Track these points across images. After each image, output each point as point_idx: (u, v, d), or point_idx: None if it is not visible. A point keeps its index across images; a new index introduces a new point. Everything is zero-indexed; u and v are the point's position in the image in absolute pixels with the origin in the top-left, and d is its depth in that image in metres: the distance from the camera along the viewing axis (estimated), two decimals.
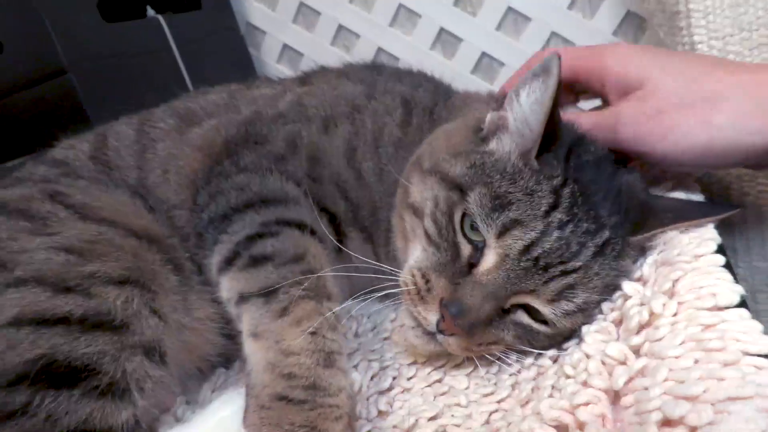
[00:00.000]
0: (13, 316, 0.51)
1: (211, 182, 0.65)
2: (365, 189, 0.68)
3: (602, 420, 0.41)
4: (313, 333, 0.51)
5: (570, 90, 0.69)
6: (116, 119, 0.84)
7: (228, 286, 0.58)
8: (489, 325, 0.53)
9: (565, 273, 0.51)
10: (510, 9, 1.30)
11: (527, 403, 0.48)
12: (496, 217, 0.52)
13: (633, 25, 1.22)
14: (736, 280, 0.45)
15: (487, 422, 0.49)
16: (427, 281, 0.55)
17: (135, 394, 0.52)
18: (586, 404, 0.42)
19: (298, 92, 0.75)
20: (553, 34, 1.29)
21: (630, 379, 0.42)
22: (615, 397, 0.43)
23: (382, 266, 0.59)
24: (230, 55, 1.45)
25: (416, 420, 0.51)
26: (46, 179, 0.66)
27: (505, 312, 0.54)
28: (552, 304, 0.52)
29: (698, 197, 0.59)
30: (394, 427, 0.52)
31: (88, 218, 0.60)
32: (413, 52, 1.42)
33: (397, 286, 0.57)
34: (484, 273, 0.52)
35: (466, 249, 0.54)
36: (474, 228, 0.53)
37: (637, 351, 0.44)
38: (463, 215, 0.54)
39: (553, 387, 0.48)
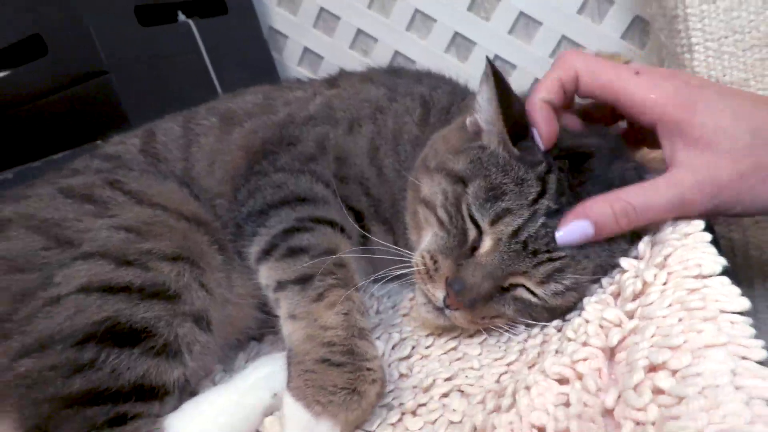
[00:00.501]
0: (82, 284, 0.58)
1: (251, 179, 0.72)
2: (386, 185, 0.74)
3: (599, 373, 0.47)
4: (345, 314, 0.58)
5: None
6: (151, 116, 0.91)
7: (266, 275, 0.64)
8: (489, 301, 0.59)
9: (551, 259, 0.57)
10: (522, 14, 1.35)
11: (534, 365, 0.53)
12: (489, 207, 0.58)
13: (639, 29, 1.26)
14: (721, 253, 0.51)
15: (497, 381, 0.55)
16: (435, 262, 0.61)
17: (185, 355, 0.59)
18: (585, 359, 0.47)
19: (326, 95, 0.81)
20: (563, 38, 1.33)
21: (623, 338, 0.47)
22: (611, 354, 0.48)
23: (401, 250, 0.66)
24: (254, 57, 1.52)
25: (433, 380, 0.57)
26: (102, 170, 0.73)
27: (505, 290, 0.60)
28: (542, 286, 0.58)
29: None
30: (414, 387, 0.58)
31: (143, 203, 0.66)
32: (429, 55, 1.47)
33: (411, 267, 0.64)
34: (483, 255, 0.58)
35: (472, 234, 0.60)
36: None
37: (630, 315, 0.49)
38: (469, 204, 0.60)
39: (556, 351, 0.53)
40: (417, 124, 0.76)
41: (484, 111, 0.62)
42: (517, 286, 0.59)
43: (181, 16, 1.29)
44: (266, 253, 0.65)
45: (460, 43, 1.45)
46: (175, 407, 0.57)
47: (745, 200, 0.53)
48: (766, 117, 0.52)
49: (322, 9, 1.54)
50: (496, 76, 0.58)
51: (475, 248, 0.59)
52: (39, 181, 0.73)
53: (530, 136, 0.60)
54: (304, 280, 0.60)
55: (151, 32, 1.19)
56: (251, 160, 0.74)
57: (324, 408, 0.52)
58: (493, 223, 0.57)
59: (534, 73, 1.40)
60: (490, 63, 0.58)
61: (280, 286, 0.62)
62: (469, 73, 1.42)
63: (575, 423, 0.40)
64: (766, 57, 0.73)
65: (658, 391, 0.39)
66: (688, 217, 0.54)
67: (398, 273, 0.65)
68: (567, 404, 0.44)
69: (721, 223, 0.85)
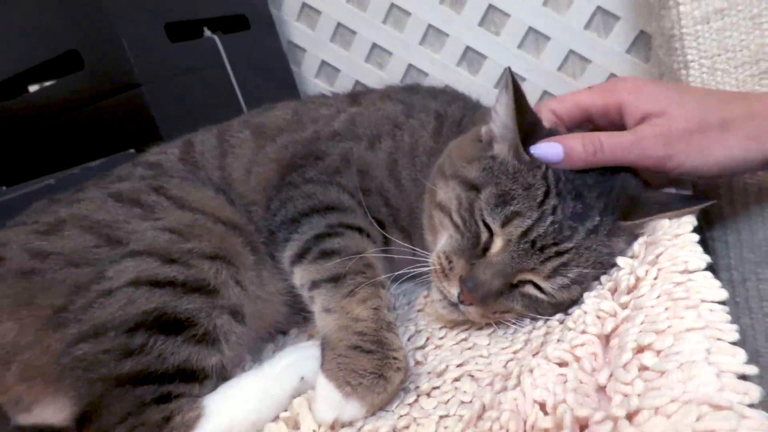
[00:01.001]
0: (132, 278, 0.64)
1: (283, 190, 0.78)
2: (404, 194, 0.80)
3: (594, 357, 0.52)
4: (375, 308, 0.64)
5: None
6: (180, 126, 0.97)
7: (301, 275, 0.71)
8: (500, 297, 0.64)
9: (558, 254, 0.62)
10: (531, 29, 1.40)
11: (537, 352, 0.59)
12: (499, 211, 0.63)
13: (643, 44, 1.31)
14: (708, 252, 0.56)
15: (504, 367, 0.60)
16: (450, 262, 0.67)
17: (222, 344, 0.65)
18: (582, 345, 0.53)
19: (350, 113, 0.88)
20: (571, 52, 1.39)
21: (616, 326, 0.53)
22: (606, 341, 0.54)
23: (417, 251, 0.72)
24: (274, 70, 1.59)
25: (446, 366, 0.63)
26: (146, 177, 0.80)
27: (514, 286, 0.65)
28: (549, 280, 0.63)
29: (686, 191, 0.70)
30: (429, 372, 0.63)
31: (184, 207, 0.73)
32: (441, 68, 1.53)
33: (428, 267, 0.70)
34: (494, 255, 0.64)
35: (484, 236, 0.65)
36: None
37: (624, 306, 0.55)
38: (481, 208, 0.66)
39: (558, 340, 0.59)
40: (431, 136, 0.82)
41: (501, 116, 0.67)
42: (525, 282, 0.65)
43: (207, 32, 1.36)
44: (300, 256, 0.71)
45: (471, 56, 1.51)
46: (213, 389, 0.63)
47: (693, 155, 0.63)
48: (705, 91, 0.70)
49: (339, 24, 1.60)
50: (515, 85, 0.63)
51: (486, 249, 0.65)
52: (88, 185, 0.80)
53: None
54: (336, 279, 0.66)
55: (180, 47, 1.26)
56: (283, 173, 0.81)
57: (354, 389, 0.57)
58: (504, 225, 0.63)
59: (542, 86, 1.45)
60: (511, 73, 0.63)
61: (315, 284, 0.68)
62: (480, 85, 1.48)
63: (571, 396, 0.46)
64: (756, 73, 0.78)
65: (643, 368, 0.44)
66: (679, 216, 0.62)
67: (416, 272, 0.71)
68: (565, 382, 0.49)
69: (718, 227, 0.90)
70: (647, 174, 0.70)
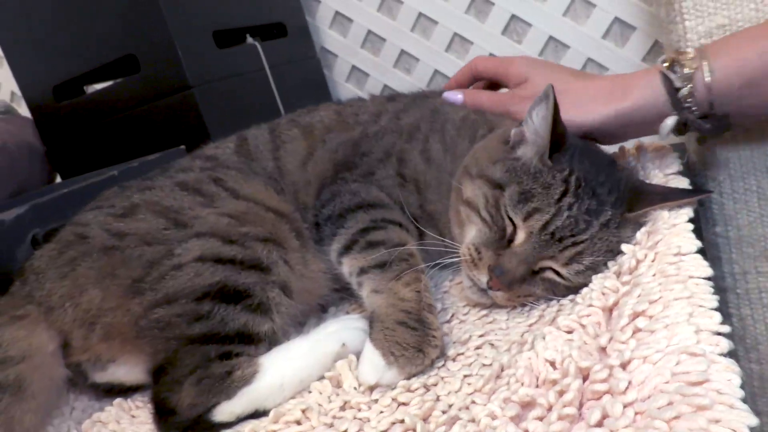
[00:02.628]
0: (198, 255, 0.74)
1: (333, 185, 0.88)
2: (433, 172, 0.88)
3: (598, 325, 0.61)
4: (418, 291, 0.72)
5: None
6: (226, 125, 1.08)
7: (350, 264, 0.80)
8: (523, 282, 0.73)
9: (575, 243, 0.71)
10: (551, 38, 1.48)
11: (550, 324, 0.68)
12: (522, 207, 0.72)
13: (659, 53, 1.38)
14: (701, 239, 0.64)
15: (521, 337, 0.69)
16: (479, 253, 0.75)
17: (274, 313, 0.74)
18: (588, 315, 0.62)
19: (391, 112, 0.97)
20: (589, 60, 1.47)
21: (617, 300, 0.62)
22: (609, 313, 0.63)
23: (447, 242, 0.80)
24: (308, 75, 1.69)
25: (469, 336, 0.72)
26: (205, 168, 0.90)
27: (535, 272, 0.74)
28: (566, 267, 0.72)
29: (684, 185, 0.78)
30: (454, 342, 0.72)
31: (240, 197, 0.83)
32: None
33: (458, 257, 0.79)
34: (518, 246, 0.73)
35: (509, 229, 0.74)
36: None
37: (625, 284, 0.64)
38: (506, 204, 0.75)
39: (568, 314, 0.68)
40: (461, 119, 0.93)
41: (535, 124, 0.74)
42: (546, 269, 0.73)
43: (249, 39, 1.47)
44: (347, 248, 0.81)
45: None
46: (266, 352, 0.73)
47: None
48: (571, 70, 0.94)
49: (369, 31, 1.69)
50: (555, 101, 0.70)
51: (511, 241, 0.74)
52: (155, 175, 0.90)
53: (563, 151, 0.74)
54: (382, 266, 0.75)
55: (226, 53, 1.37)
56: (335, 170, 0.90)
57: (396, 359, 0.66)
58: (525, 219, 0.72)
59: None
60: (552, 89, 0.71)
61: (363, 271, 0.77)
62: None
63: (576, 352, 0.55)
64: None
65: (636, 329, 0.53)
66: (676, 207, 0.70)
67: (447, 262, 0.81)
68: (571, 343, 0.58)
69: (721, 224, 0.98)
70: None
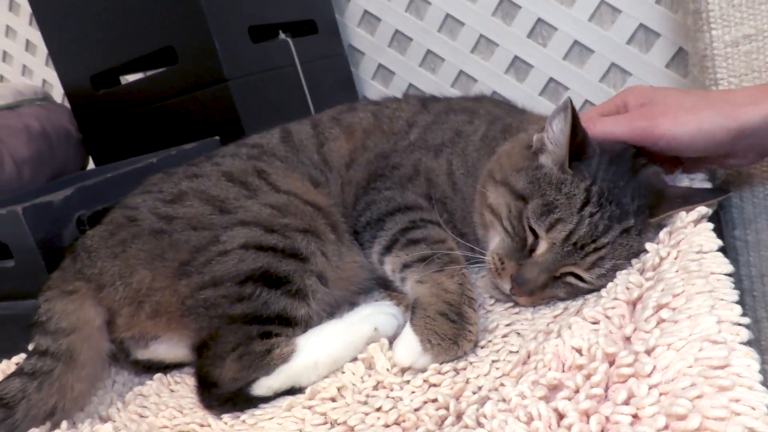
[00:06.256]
0: (242, 242, 0.79)
1: (367, 194, 0.92)
2: (459, 196, 0.91)
3: (622, 317, 0.64)
4: (460, 284, 0.76)
5: None
6: (258, 118, 1.13)
7: (392, 262, 0.83)
8: (545, 288, 0.76)
9: (596, 249, 0.73)
10: (576, 42, 1.51)
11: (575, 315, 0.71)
12: (544, 219, 0.74)
13: (682, 60, 1.41)
14: (722, 238, 0.68)
15: (546, 326, 0.73)
16: (502, 263, 0.78)
17: (310, 299, 0.79)
18: (613, 308, 0.65)
19: (421, 126, 1.00)
20: (613, 65, 1.49)
21: (641, 294, 0.65)
22: (633, 307, 0.66)
23: (476, 249, 0.84)
24: (336, 72, 1.73)
25: (497, 324, 0.76)
26: (251, 156, 0.95)
27: (557, 277, 0.76)
28: (588, 271, 0.74)
29: (707, 184, 0.81)
30: (482, 330, 0.76)
31: (281, 191, 0.88)
32: (490, 75, 1.65)
33: (482, 258, 0.82)
34: (540, 256, 0.75)
35: (530, 240, 0.77)
36: None
37: (649, 280, 0.67)
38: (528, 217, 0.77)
39: (593, 306, 0.71)
40: (480, 140, 0.95)
41: (555, 134, 0.76)
42: (567, 274, 0.76)
43: (282, 35, 1.52)
44: (388, 249, 0.84)
45: (518, 65, 1.62)
46: (303, 332, 0.78)
47: (672, 126, 0.75)
48: (689, 90, 0.83)
49: (396, 31, 1.73)
50: (573, 113, 0.72)
51: (532, 250, 0.76)
52: (202, 162, 0.95)
53: (584, 159, 0.76)
54: (425, 259, 0.79)
55: (260, 48, 1.42)
56: (368, 180, 0.95)
57: (432, 347, 0.70)
58: (548, 230, 0.74)
59: (584, 96, 1.56)
60: (570, 101, 0.73)
61: (406, 266, 0.80)
62: (526, 92, 1.60)
63: (602, 339, 0.58)
64: None
65: (660, 320, 0.57)
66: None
67: (476, 268, 0.85)
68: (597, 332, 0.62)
69: (740, 228, 1.01)
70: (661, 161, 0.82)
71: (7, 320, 1.03)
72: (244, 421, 0.70)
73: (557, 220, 0.73)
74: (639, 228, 0.75)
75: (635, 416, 0.47)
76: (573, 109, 0.72)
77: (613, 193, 0.74)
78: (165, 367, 0.89)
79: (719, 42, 0.90)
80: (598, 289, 0.76)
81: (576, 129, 0.73)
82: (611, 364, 0.56)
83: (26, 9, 2.27)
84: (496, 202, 0.81)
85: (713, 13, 0.90)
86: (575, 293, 0.77)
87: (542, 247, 0.75)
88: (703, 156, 0.78)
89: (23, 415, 0.71)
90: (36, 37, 2.27)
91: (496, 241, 0.81)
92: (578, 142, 0.75)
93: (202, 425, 0.72)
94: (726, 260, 0.62)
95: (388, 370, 0.72)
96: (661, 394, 0.47)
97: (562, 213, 0.73)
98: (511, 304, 0.82)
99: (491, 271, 0.80)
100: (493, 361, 0.69)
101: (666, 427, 0.43)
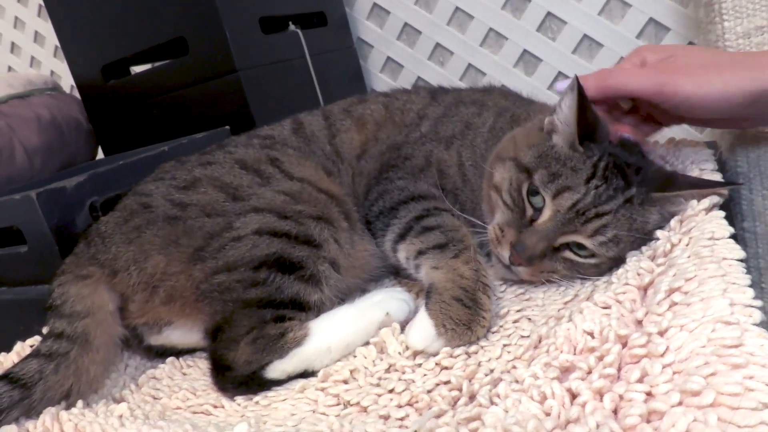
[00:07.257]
0: (256, 229, 0.80)
1: (380, 184, 0.93)
2: (468, 187, 0.92)
3: (633, 302, 0.65)
4: (475, 270, 0.76)
5: None
6: (268, 108, 1.12)
7: (406, 249, 0.83)
8: (543, 258, 0.77)
9: (598, 215, 0.74)
10: (585, 36, 1.51)
11: (586, 300, 0.72)
12: (551, 186, 0.76)
13: None
14: (733, 225, 0.68)
15: (557, 312, 0.74)
16: (502, 231, 0.80)
17: (323, 285, 0.80)
18: (624, 293, 0.66)
19: (432, 118, 1.01)
20: (622, 59, 1.49)
21: (652, 280, 0.66)
22: (644, 292, 0.67)
23: (483, 239, 0.84)
24: (345, 64, 1.74)
25: (508, 310, 0.77)
26: (264, 146, 0.95)
27: (556, 250, 0.77)
28: (591, 239, 0.75)
29: (717, 176, 0.81)
30: (494, 315, 0.77)
31: (294, 179, 0.88)
32: (498, 69, 1.65)
33: (487, 236, 0.83)
34: (541, 224, 0.76)
35: (529, 211, 0.78)
36: (535, 195, 0.77)
37: (660, 266, 0.68)
38: (528, 188, 0.78)
39: (604, 291, 0.72)
40: (488, 131, 0.96)
41: (564, 113, 0.78)
42: (566, 247, 0.77)
43: (292, 26, 1.53)
44: (402, 236, 0.84)
45: (527, 59, 1.63)
46: (316, 317, 0.79)
47: (688, 84, 0.72)
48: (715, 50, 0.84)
49: (405, 24, 1.74)
50: (580, 90, 0.74)
51: (533, 220, 0.78)
52: (214, 150, 0.96)
53: (596, 140, 0.77)
54: (440, 246, 0.79)
55: (270, 39, 1.43)
56: (380, 170, 0.95)
57: (446, 331, 0.70)
58: (555, 196, 0.75)
59: None
60: (577, 79, 0.74)
61: (420, 253, 0.81)
62: (534, 86, 1.60)
63: (615, 321, 0.59)
64: None
65: (673, 303, 0.57)
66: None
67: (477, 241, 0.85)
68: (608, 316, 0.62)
69: (749, 220, 1.01)
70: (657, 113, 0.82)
71: (20, 305, 1.04)
72: (257, 403, 0.71)
73: (564, 187, 0.75)
74: (641, 198, 0.76)
75: (649, 394, 0.47)
76: (580, 87, 0.73)
77: (620, 167, 0.75)
78: (177, 353, 0.90)
79: (731, 33, 0.91)
80: (602, 267, 0.77)
81: (585, 108, 0.75)
82: (624, 345, 0.57)
83: (35, 0, 2.28)
84: (501, 178, 0.82)
85: (725, 5, 0.90)
86: (575, 269, 0.78)
87: (545, 215, 0.76)
88: (711, 118, 0.78)
89: (40, 396, 0.72)
90: (44, 28, 2.29)
91: (497, 215, 0.82)
92: (589, 122, 0.76)
93: (215, 406, 0.73)
94: (738, 246, 0.63)
95: (400, 353, 0.73)
96: (674, 373, 0.48)
97: (569, 181, 0.75)
98: (522, 290, 0.83)
99: (492, 241, 0.81)
100: (505, 345, 0.70)
101: (680, 403, 0.44)
